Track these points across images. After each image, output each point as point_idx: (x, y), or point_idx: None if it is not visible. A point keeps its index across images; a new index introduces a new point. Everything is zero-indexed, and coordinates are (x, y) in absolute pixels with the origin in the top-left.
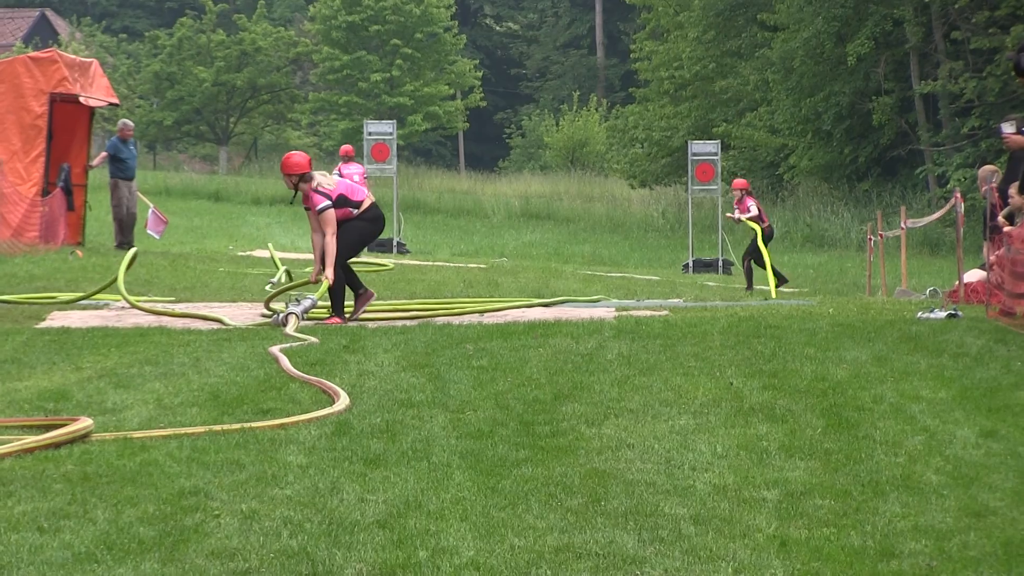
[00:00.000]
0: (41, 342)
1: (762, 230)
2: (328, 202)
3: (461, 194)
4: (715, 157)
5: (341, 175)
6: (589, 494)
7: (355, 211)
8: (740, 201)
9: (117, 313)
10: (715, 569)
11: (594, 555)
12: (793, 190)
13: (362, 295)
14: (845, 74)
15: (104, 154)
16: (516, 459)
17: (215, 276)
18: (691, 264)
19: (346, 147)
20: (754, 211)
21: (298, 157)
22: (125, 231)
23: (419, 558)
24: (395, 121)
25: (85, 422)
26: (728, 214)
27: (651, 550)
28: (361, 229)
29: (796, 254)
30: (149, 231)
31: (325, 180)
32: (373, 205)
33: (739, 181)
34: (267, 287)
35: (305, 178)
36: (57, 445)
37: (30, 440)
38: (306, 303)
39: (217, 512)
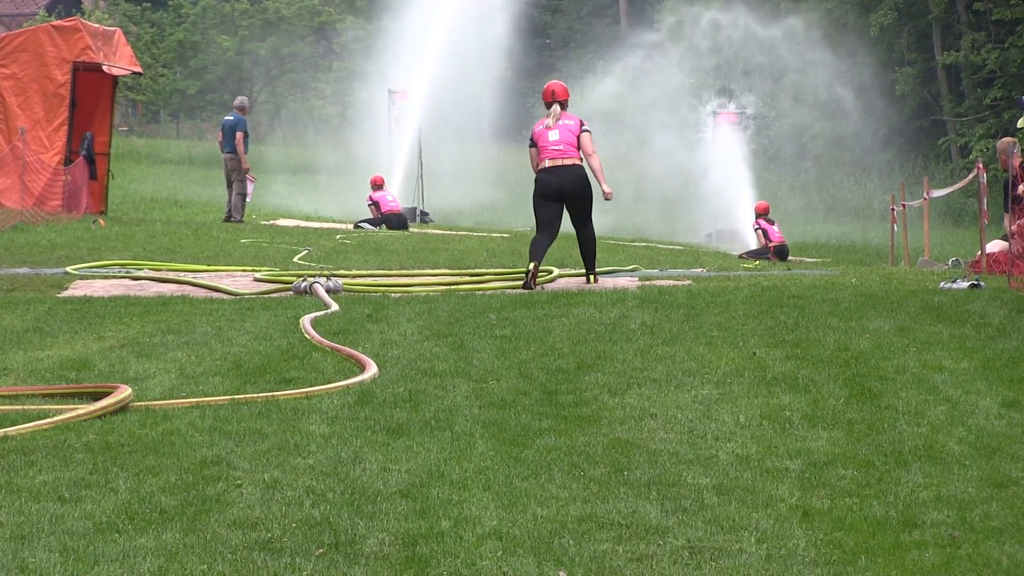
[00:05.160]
0: (63, 311)
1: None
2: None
3: (485, 163)
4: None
5: (373, 200)
6: (612, 464)
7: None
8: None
9: (139, 282)
10: (738, 539)
11: (617, 525)
12: (816, 160)
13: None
14: (868, 44)
15: (241, 134)
16: (539, 428)
17: (237, 246)
18: (715, 233)
19: (376, 176)
20: (754, 245)
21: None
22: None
23: (442, 528)
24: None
25: (125, 391)
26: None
27: (674, 520)
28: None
29: (819, 224)
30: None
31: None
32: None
33: (759, 204)
34: (296, 259)
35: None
36: (106, 414)
37: (82, 410)
38: (336, 282)
39: (239, 482)
